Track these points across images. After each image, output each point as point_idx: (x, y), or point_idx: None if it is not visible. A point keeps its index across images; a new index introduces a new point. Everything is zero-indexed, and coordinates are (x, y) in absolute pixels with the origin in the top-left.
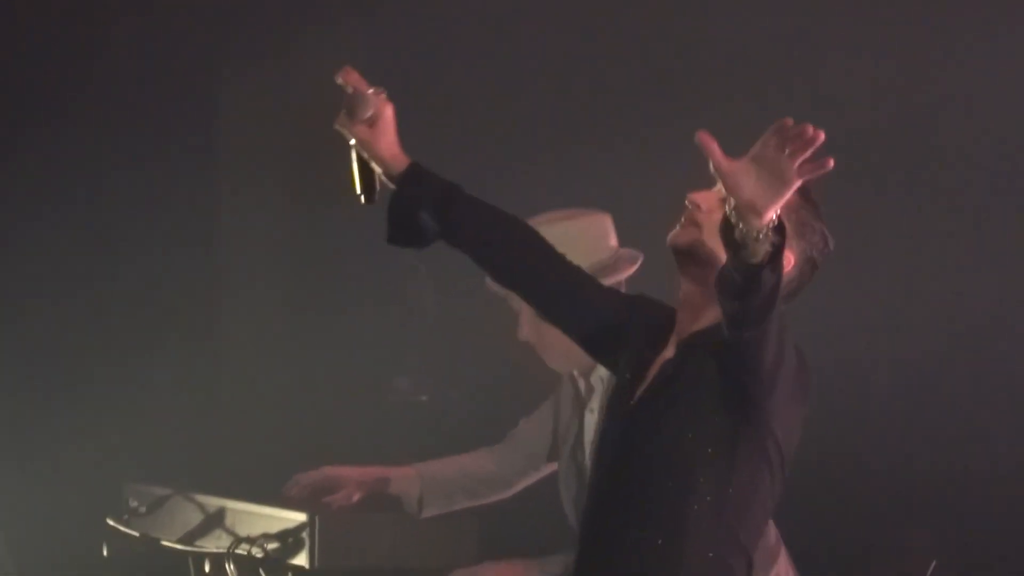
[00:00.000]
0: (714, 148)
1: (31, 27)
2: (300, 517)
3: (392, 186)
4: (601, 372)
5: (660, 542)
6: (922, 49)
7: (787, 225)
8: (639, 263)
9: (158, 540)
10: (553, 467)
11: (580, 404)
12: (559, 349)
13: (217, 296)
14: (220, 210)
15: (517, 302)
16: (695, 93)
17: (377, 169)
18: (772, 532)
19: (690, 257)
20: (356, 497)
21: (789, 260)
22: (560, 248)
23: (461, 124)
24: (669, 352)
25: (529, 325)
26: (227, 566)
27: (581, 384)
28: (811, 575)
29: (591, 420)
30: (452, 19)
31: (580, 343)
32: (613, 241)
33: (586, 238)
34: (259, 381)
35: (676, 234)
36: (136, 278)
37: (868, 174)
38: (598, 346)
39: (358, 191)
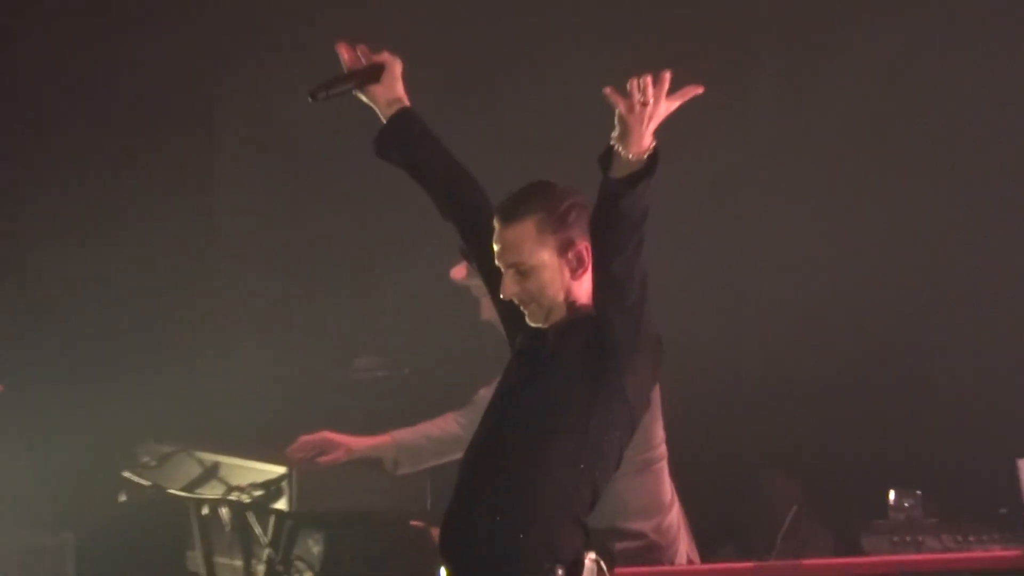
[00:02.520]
0: (619, 100)
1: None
2: (280, 470)
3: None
4: None
5: (530, 475)
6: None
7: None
8: None
9: (165, 489)
10: None
11: None
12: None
13: (216, 295)
14: (215, 221)
15: (478, 289)
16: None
17: (363, 98)
18: (668, 487)
19: (526, 299)
20: (345, 458)
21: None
22: None
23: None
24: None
25: (489, 309)
26: (221, 510)
27: None
28: (703, 521)
29: None
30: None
31: (497, 308)
32: None
33: None
34: (247, 360)
35: (504, 290)
36: (149, 277)
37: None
38: (507, 320)
39: (316, 88)
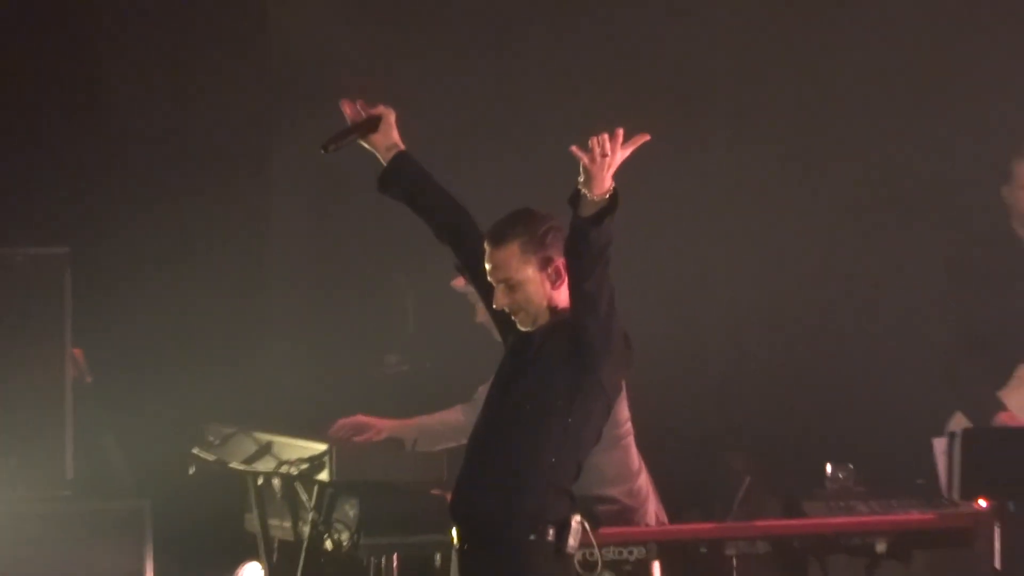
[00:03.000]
0: (582, 155)
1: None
2: (322, 447)
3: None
4: None
5: (524, 452)
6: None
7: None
8: None
9: (227, 463)
10: None
11: None
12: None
13: (270, 304)
14: (269, 242)
15: (473, 296)
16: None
17: (366, 146)
18: (635, 458)
19: (516, 308)
20: (376, 438)
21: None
22: None
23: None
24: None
25: (482, 313)
26: (273, 481)
27: None
28: (673, 490)
29: None
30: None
31: (490, 314)
32: None
33: None
34: (296, 357)
35: (496, 301)
36: (215, 288)
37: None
38: (499, 323)
39: (326, 143)
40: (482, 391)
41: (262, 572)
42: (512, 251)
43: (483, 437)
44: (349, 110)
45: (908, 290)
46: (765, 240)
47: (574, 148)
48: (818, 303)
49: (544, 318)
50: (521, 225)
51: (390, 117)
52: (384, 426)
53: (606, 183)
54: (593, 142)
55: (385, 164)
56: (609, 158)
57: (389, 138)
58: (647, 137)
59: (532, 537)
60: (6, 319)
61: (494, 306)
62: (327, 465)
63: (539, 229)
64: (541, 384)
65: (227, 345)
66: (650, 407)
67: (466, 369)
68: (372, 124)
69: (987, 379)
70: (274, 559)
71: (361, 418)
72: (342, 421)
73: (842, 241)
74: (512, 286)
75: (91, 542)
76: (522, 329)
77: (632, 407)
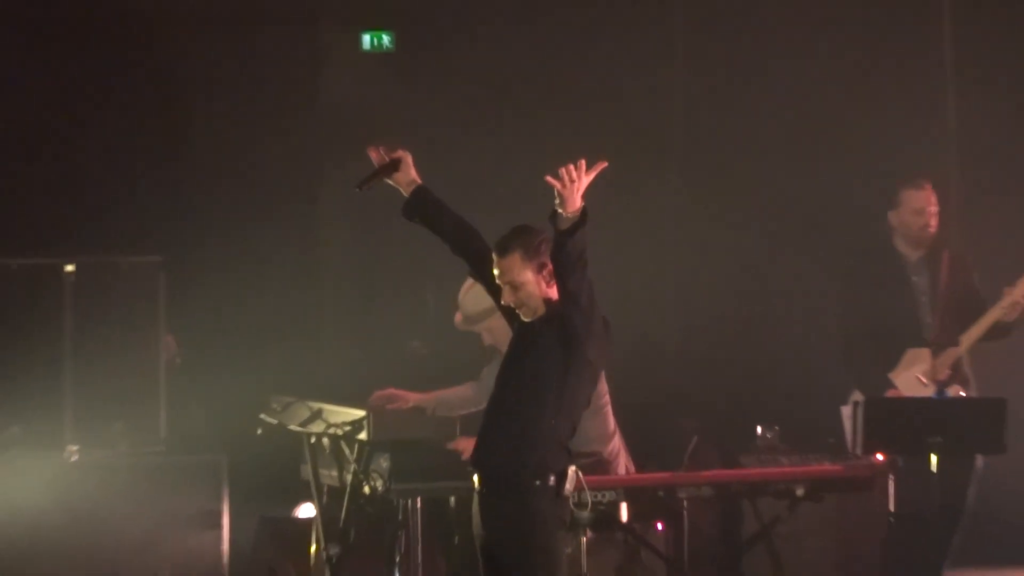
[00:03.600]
0: (555, 182)
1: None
2: (362, 413)
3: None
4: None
5: (529, 416)
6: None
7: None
8: None
9: (287, 425)
10: None
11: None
12: (492, 334)
13: (321, 300)
14: (320, 252)
15: (480, 329)
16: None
17: (391, 183)
18: (612, 422)
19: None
20: (404, 406)
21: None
22: None
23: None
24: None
25: (487, 339)
26: (323, 440)
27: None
28: (637, 447)
29: None
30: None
31: (500, 309)
32: None
33: None
34: (341, 342)
35: (505, 299)
36: (280, 288)
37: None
38: (506, 314)
39: (359, 183)
40: (486, 371)
41: (314, 511)
42: (514, 259)
43: (497, 404)
44: (375, 155)
45: (817, 292)
46: (707, 251)
47: (548, 177)
48: (749, 301)
49: (542, 310)
50: (520, 238)
51: (408, 159)
52: (410, 397)
53: (577, 203)
54: (563, 171)
55: (407, 196)
56: (577, 183)
57: (408, 176)
58: (604, 164)
59: (537, 483)
60: (114, 313)
61: (502, 302)
62: (366, 427)
63: (535, 241)
64: (540, 362)
65: (288, 333)
66: (619, 383)
67: (474, 355)
68: (394, 165)
69: (877, 362)
70: (323, 501)
71: (392, 391)
72: (378, 393)
73: (766, 254)
74: (515, 287)
75: (178, 488)
76: (524, 320)
77: (608, 382)
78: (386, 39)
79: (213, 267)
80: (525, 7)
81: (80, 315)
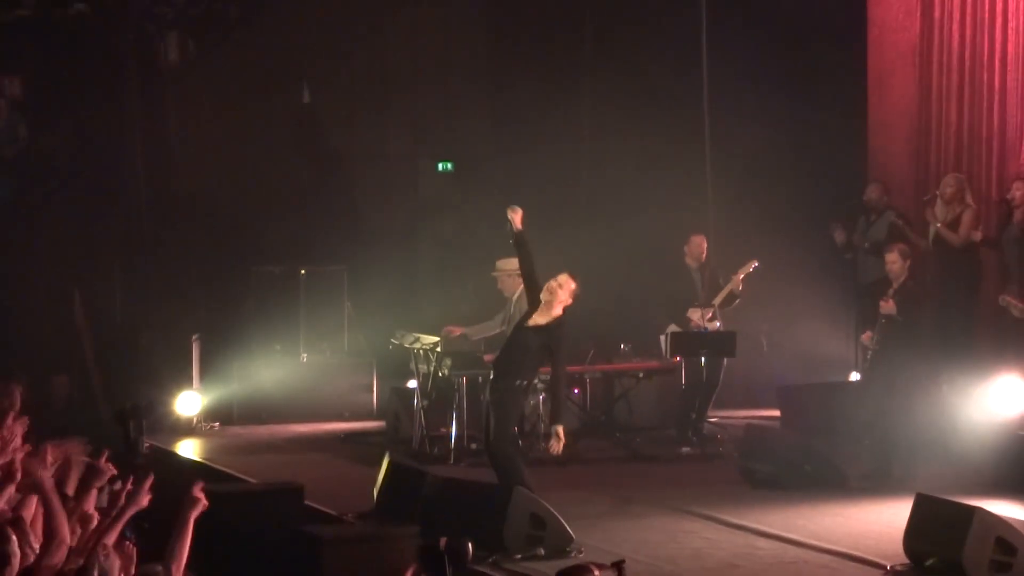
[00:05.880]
0: (510, 215)
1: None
2: (436, 338)
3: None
4: (515, 296)
5: (518, 364)
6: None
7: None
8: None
9: (402, 344)
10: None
11: (510, 309)
12: (505, 287)
13: (418, 275)
14: (418, 244)
15: (501, 282)
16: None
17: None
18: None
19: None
20: (457, 333)
21: None
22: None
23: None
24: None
25: (508, 290)
26: (421, 351)
27: (512, 301)
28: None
29: (516, 312)
30: None
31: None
32: None
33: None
34: (427, 303)
35: (542, 312)
36: (400, 277)
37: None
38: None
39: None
40: (499, 316)
41: (416, 384)
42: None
43: (504, 353)
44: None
45: (646, 282)
46: (599, 243)
47: (508, 210)
48: (623, 287)
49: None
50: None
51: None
52: (459, 329)
53: (517, 225)
54: (509, 210)
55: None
56: (513, 216)
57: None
58: (518, 209)
59: (518, 382)
60: (317, 311)
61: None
62: (440, 344)
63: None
64: (523, 344)
65: (403, 303)
66: (589, 321)
67: (491, 308)
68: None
69: (679, 312)
70: (419, 379)
71: (447, 329)
72: (446, 328)
73: (627, 263)
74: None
75: (346, 379)
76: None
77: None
78: (450, 166)
79: (380, 273)
80: None
81: (309, 301)
